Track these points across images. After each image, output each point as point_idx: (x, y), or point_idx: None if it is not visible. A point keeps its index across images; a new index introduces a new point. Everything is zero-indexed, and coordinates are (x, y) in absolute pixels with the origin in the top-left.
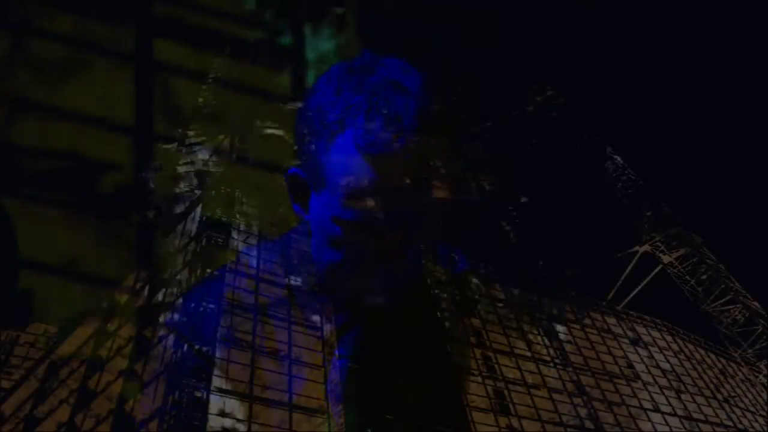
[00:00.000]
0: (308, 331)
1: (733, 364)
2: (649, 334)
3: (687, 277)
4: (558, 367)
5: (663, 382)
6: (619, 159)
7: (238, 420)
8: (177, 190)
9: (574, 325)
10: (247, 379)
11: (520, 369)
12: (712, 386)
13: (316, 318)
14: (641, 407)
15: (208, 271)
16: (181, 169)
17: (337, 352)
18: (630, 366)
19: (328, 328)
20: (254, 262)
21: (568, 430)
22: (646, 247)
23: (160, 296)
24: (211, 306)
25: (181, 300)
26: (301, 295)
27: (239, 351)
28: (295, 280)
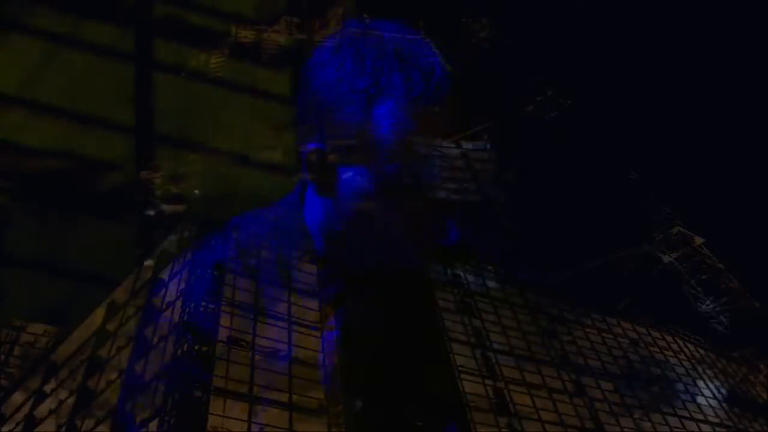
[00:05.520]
0: (308, 330)
1: (733, 364)
2: (650, 334)
3: (687, 277)
4: (558, 367)
5: (663, 382)
6: (621, 160)
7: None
8: (177, 190)
9: (575, 326)
10: (247, 378)
11: (520, 369)
12: (712, 386)
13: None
14: (641, 407)
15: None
16: (182, 169)
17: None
18: (630, 366)
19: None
20: (243, 235)
21: (568, 430)
22: (646, 247)
23: (160, 295)
24: (211, 306)
25: (181, 298)
26: (294, 266)
27: (239, 349)
28: (288, 252)
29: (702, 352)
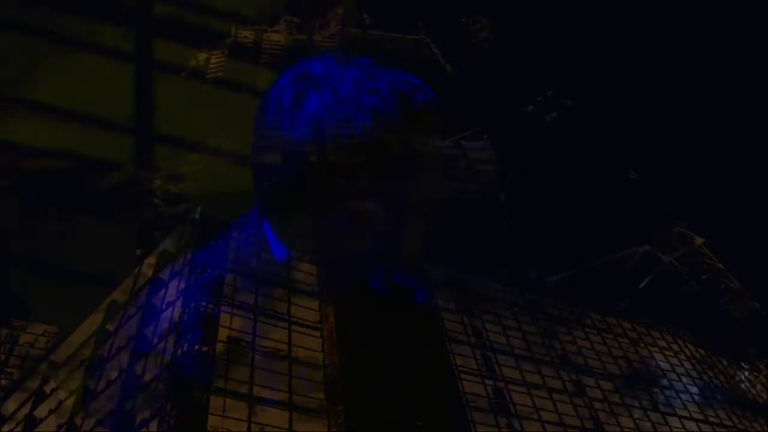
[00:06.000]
0: (307, 330)
1: (733, 364)
2: (650, 334)
3: (687, 277)
4: (558, 367)
5: (663, 382)
6: (621, 161)
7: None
8: (177, 190)
9: (575, 326)
10: (247, 378)
11: (520, 369)
12: (712, 386)
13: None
14: (641, 407)
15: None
16: (182, 169)
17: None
18: (630, 366)
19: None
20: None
21: (568, 430)
22: (646, 247)
23: (160, 295)
24: (211, 306)
25: (181, 298)
26: (294, 266)
27: (239, 349)
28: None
29: (702, 352)
